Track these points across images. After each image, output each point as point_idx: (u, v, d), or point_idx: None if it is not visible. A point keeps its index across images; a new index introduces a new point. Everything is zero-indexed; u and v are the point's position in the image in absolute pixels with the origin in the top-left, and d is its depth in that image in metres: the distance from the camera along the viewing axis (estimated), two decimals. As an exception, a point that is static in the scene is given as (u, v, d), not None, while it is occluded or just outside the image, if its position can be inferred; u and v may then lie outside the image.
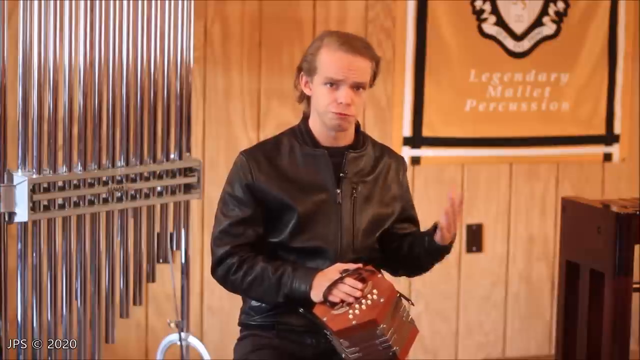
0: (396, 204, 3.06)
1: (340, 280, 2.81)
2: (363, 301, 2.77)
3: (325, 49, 2.92)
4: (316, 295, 2.83)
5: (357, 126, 3.04)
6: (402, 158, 3.14)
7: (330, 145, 2.98)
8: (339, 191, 2.97)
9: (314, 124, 2.99)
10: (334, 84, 2.90)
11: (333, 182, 2.97)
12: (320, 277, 2.85)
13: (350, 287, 2.80)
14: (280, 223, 2.95)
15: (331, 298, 2.80)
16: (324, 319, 2.78)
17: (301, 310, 2.89)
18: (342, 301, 2.79)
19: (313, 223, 2.94)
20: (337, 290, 2.80)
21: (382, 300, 2.76)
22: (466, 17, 4.79)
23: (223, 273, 2.97)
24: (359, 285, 2.80)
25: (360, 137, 3.04)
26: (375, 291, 2.78)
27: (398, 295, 2.83)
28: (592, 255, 3.75)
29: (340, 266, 2.86)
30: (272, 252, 2.98)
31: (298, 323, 2.94)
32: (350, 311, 2.76)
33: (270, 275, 2.90)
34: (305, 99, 3.00)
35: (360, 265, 2.86)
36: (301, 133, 3.00)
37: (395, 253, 3.06)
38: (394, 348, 2.77)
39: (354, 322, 2.74)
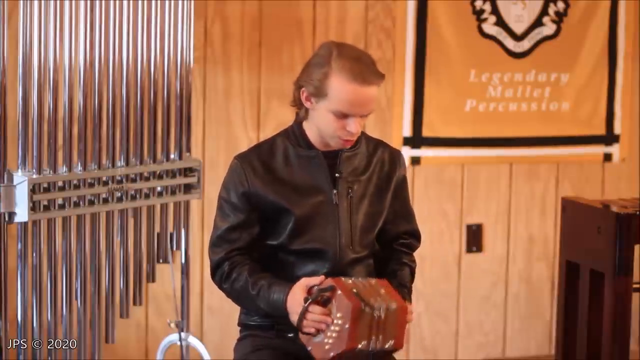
0: (391, 197, 3.04)
1: (306, 310, 2.77)
2: (332, 327, 2.75)
3: (337, 79, 2.83)
4: (293, 321, 2.82)
5: None
6: (397, 151, 3.09)
7: (324, 149, 2.97)
8: (335, 192, 2.96)
9: (310, 131, 2.96)
10: (344, 114, 2.86)
11: (329, 183, 2.96)
12: (290, 301, 2.82)
13: (318, 315, 2.77)
14: (278, 226, 2.95)
15: (305, 330, 2.79)
16: (309, 348, 2.80)
17: (290, 335, 2.90)
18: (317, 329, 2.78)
19: (311, 225, 2.94)
20: (307, 321, 2.78)
21: (346, 326, 2.73)
22: (466, 17, 4.79)
23: (218, 280, 2.99)
24: (325, 313, 2.76)
25: (354, 135, 3.03)
26: (339, 314, 2.75)
27: (362, 306, 2.76)
28: (592, 255, 3.75)
29: (305, 283, 2.82)
30: (271, 255, 2.97)
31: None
32: (326, 340, 2.75)
33: (250, 292, 2.90)
34: (303, 107, 2.95)
35: (322, 278, 2.81)
36: (295, 135, 2.98)
37: (383, 264, 3.07)
38: (386, 346, 2.77)
39: (331, 354, 2.75)
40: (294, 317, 2.81)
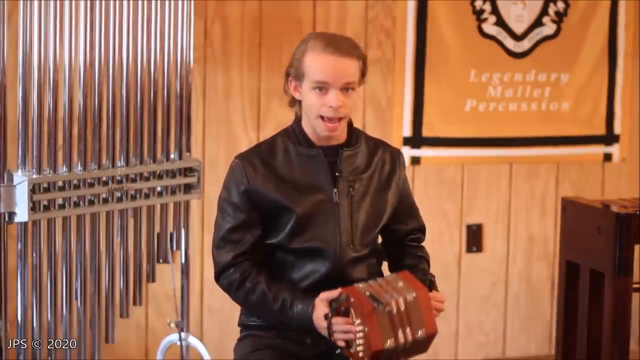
0: (393, 196, 3.05)
1: (330, 325, 2.80)
2: (358, 335, 2.77)
3: (311, 53, 2.89)
4: (325, 335, 2.85)
5: (350, 123, 3.03)
6: (397, 150, 3.11)
7: (324, 145, 2.98)
8: (335, 190, 2.96)
9: (307, 126, 2.98)
10: (322, 87, 2.88)
11: (329, 181, 2.96)
12: (315, 317, 2.85)
13: (342, 326, 2.80)
14: (279, 224, 2.95)
15: (339, 344, 2.81)
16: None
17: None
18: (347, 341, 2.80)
19: (311, 224, 2.94)
20: (336, 335, 2.81)
21: (366, 329, 2.76)
22: (466, 17, 4.79)
23: (226, 285, 2.98)
24: (348, 323, 2.78)
25: (354, 134, 3.03)
26: (358, 320, 2.77)
27: (375, 305, 2.78)
28: (592, 255, 3.75)
29: (324, 297, 2.84)
30: (270, 254, 2.98)
31: (298, 323, 2.95)
32: (358, 348, 2.77)
33: (271, 306, 2.91)
34: (296, 102, 2.99)
35: (339, 290, 2.83)
36: (295, 134, 2.99)
37: (398, 260, 3.09)
38: (418, 335, 2.79)
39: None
40: (323, 332, 2.84)
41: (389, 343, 2.76)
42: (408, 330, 2.79)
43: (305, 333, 2.95)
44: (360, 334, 2.76)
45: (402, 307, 2.81)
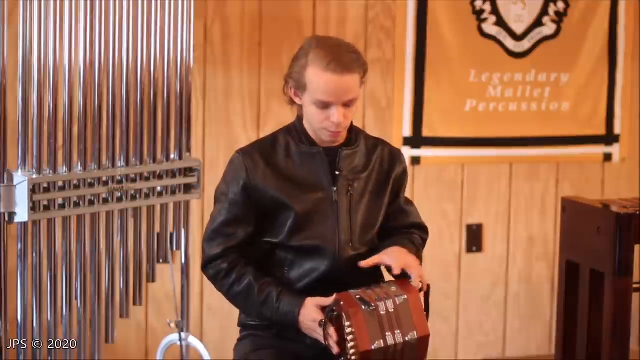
0: (391, 195, 3.05)
1: (328, 335, 2.80)
2: (348, 338, 2.77)
3: (313, 69, 2.85)
4: (308, 333, 2.87)
5: (350, 123, 3.03)
6: (397, 149, 3.10)
7: (324, 146, 2.98)
8: (335, 189, 2.97)
9: (308, 127, 2.98)
10: (325, 105, 2.88)
11: (329, 180, 2.97)
12: (303, 317, 2.86)
13: (334, 346, 2.81)
14: (277, 222, 2.95)
15: (335, 352, 2.81)
16: None
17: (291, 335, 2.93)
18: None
19: (310, 222, 2.94)
20: (331, 342, 2.81)
21: (354, 330, 2.76)
22: (466, 17, 4.79)
23: (212, 274, 2.99)
24: (336, 334, 2.80)
25: (353, 133, 3.03)
26: (347, 324, 2.77)
27: (362, 307, 2.79)
28: (592, 255, 3.75)
29: (317, 303, 2.84)
30: (269, 252, 2.98)
31: (298, 323, 2.95)
32: (351, 352, 2.77)
33: (256, 297, 2.91)
34: (296, 104, 2.98)
35: (332, 299, 2.82)
36: (297, 132, 2.99)
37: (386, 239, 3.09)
38: (408, 337, 2.79)
39: None
40: (307, 332, 2.86)
41: (377, 344, 2.76)
42: (398, 332, 2.79)
43: (285, 328, 2.95)
44: (351, 337, 2.76)
45: (391, 309, 2.82)
